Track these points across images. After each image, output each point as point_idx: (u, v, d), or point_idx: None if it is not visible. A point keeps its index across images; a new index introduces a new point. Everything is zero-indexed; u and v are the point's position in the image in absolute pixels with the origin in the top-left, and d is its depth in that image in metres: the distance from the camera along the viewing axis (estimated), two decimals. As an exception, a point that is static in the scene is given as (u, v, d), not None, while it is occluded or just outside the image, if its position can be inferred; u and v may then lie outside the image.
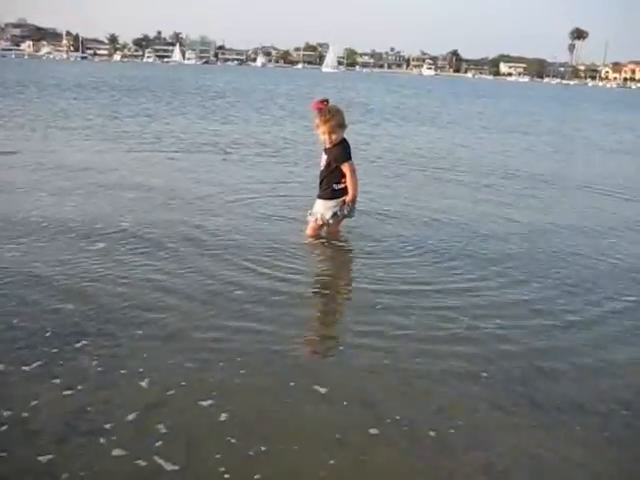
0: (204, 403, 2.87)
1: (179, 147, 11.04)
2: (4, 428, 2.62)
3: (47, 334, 3.48)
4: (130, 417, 2.73)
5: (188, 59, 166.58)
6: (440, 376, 3.23)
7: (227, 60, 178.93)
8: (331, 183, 5.35)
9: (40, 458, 2.45)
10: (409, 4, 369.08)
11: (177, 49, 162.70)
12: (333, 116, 5.27)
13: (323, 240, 5.46)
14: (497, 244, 5.68)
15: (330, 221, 5.40)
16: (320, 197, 5.42)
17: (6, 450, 2.50)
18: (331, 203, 5.36)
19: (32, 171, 8.15)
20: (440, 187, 8.46)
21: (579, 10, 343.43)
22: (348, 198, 5.31)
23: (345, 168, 5.28)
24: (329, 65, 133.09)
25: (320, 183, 5.43)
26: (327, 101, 5.37)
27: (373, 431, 2.72)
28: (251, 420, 2.76)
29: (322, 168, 5.40)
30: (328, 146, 5.32)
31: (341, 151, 5.28)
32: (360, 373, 3.24)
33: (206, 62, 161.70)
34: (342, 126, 5.32)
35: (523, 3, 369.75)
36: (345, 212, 5.39)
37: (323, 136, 5.29)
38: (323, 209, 5.37)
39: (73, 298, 3.99)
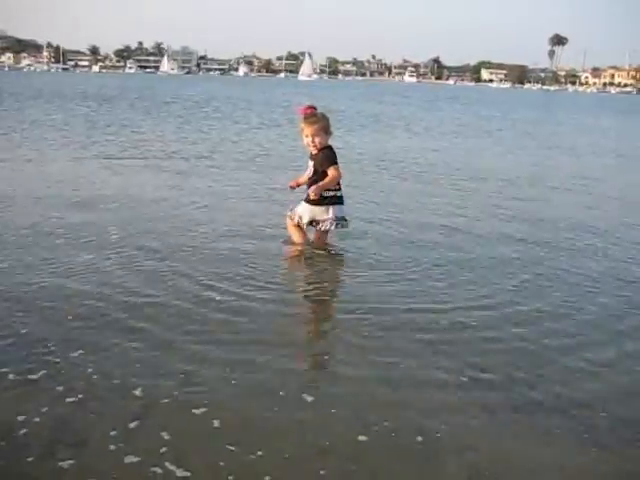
0: (197, 411, 2.91)
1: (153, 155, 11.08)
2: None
3: (30, 345, 3.50)
4: (132, 425, 2.78)
5: (171, 69, 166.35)
6: (424, 383, 3.28)
7: (209, 70, 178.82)
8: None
9: (53, 465, 2.50)
10: (390, 13, 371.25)
11: (165, 60, 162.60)
12: (319, 120, 5.31)
13: (308, 248, 5.50)
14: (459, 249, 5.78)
15: (304, 226, 5.45)
16: (306, 201, 5.39)
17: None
18: (316, 209, 5.37)
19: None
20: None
21: (559, 17, 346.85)
22: (312, 188, 5.21)
23: (330, 170, 5.26)
24: (305, 73, 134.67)
25: (308, 189, 5.40)
26: (314, 107, 5.39)
27: (362, 438, 2.77)
28: (241, 428, 2.80)
29: (310, 175, 5.39)
30: (314, 151, 5.33)
31: (327, 155, 5.30)
32: (347, 382, 3.28)
33: (188, 72, 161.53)
34: (327, 131, 5.35)
35: (504, 10, 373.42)
36: (330, 227, 5.41)
37: (307, 139, 5.30)
38: (304, 211, 5.40)
39: (50, 310, 4.02)
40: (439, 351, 3.65)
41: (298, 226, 5.51)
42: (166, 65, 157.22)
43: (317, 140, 5.27)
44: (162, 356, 3.46)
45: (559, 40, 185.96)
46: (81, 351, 3.47)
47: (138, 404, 2.96)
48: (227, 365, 3.36)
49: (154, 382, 3.16)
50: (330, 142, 5.43)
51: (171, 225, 6.24)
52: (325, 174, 5.28)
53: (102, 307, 4.11)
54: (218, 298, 4.34)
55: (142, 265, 4.99)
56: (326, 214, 5.37)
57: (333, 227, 5.43)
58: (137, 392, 3.05)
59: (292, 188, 5.66)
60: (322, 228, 5.43)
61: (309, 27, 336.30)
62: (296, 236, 5.56)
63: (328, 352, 3.74)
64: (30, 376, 3.17)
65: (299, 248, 5.50)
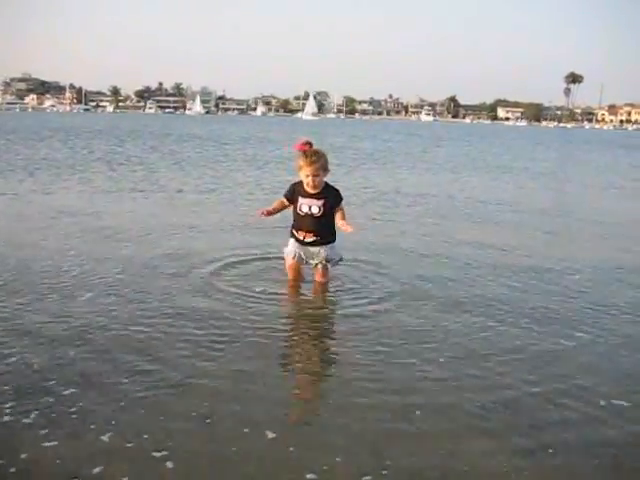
0: (157, 454, 2.84)
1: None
2: None
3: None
4: (96, 470, 2.71)
5: (189, 109, 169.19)
6: (410, 411, 3.25)
7: (228, 110, 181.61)
8: (333, 227, 5.37)
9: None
10: (407, 52, 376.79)
11: (197, 100, 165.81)
12: (319, 158, 5.24)
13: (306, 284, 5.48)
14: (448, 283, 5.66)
15: (298, 261, 5.42)
16: (329, 242, 5.37)
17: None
18: (309, 249, 5.38)
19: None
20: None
21: (574, 54, 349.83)
22: (350, 229, 5.14)
23: (341, 208, 5.32)
24: (309, 112, 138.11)
25: (316, 229, 5.29)
26: (310, 143, 5.31)
27: (326, 467, 2.74)
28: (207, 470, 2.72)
29: (312, 213, 5.25)
30: (311, 190, 5.25)
31: (338, 194, 5.32)
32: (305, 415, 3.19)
33: (207, 112, 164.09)
34: (326, 169, 5.31)
35: (519, 49, 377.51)
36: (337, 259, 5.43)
37: (307, 178, 5.22)
38: (332, 252, 5.39)
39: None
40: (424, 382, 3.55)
41: (295, 267, 5.47)
42: (198, 106, 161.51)
43: (317, 180, 5.22)
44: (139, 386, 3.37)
45: (575, 78, 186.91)
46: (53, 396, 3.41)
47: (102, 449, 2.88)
48: (205, 400, 3.28)
49: (127, 424, 3.09)
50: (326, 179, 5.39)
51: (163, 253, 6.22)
52: (332, 214, 5.28)
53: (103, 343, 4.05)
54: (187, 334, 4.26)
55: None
56: (317, 255, 5.38)
57: (329, 266, 5.41)
58: (105, 438, 2.99)
59: (264, 215, 5.41)
60: (318, 267, 5.43)
61: (327, 67, 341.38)
62: (292, 276, 5.50)
63: (300, 385, 3.64)
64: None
65: (294, 286, 5.44)
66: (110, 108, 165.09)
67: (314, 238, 5.31)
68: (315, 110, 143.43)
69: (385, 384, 3.64)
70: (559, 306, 5.24)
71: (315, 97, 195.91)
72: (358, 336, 4.39)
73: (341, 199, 5.32)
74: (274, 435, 3.03)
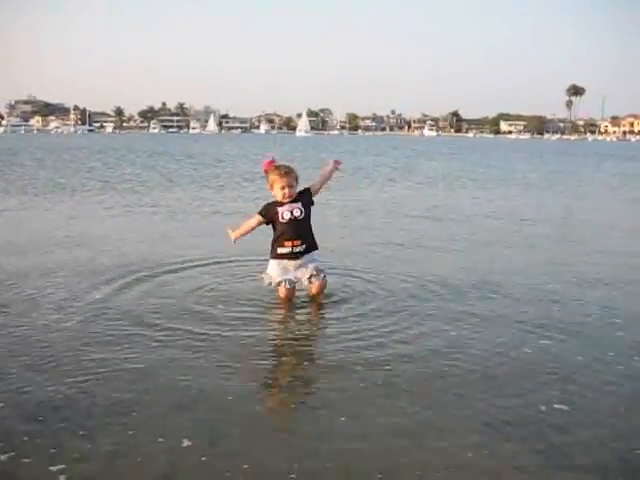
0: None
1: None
2: None
3: None
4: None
5: (193, 128, 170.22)
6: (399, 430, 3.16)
7: (231, 128, 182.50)
8: (311, 233, 5.39)
9: None
10: (409, 67, 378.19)
11: (211, 120, 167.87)
12: (292, 170, 5.33)
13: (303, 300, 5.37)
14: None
15: (282, 286, 5.31)
16: (315, 248, 5.38)
17: None
18: (290, 263, 5.33)
19: None
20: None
21: (576, 66, 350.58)
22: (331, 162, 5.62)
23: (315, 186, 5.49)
24: (302, 130, 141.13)
25: (302, 235, 5.27)
26: (274, 160, 5.38)
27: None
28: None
29: (295, 216, 5.22)
30: (287, 200, 5.24)
31: (307, 189, 5.41)
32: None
33: (202, 131, 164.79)
34: (297, 180, 5.36)
35: (520, 62, 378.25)
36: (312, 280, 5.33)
37: (282, 191, 5.22)
38: (318, 263, 5.37)
39: None
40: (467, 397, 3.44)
41: (289, 296, 5.34)
42: (212, 125, 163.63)
43: (293, 190, 5.28)
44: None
45: (576, 90, 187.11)
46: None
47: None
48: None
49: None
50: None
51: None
52: (310, 217, 5.33)
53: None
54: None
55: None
56: (306, 269, 5.31)
57: (322, 275, 5.35)
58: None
59: (234, 239, 5.42)
60: (313, 281, 5.35)
61: (329, 84, 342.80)
62: (286, 305, 5.31)
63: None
64: None
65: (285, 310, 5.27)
66: (109, 129, 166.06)
67: (301, 247, 5.28)
68: (308, 127, 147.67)
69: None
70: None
71: (318, 114, 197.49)
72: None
73: (309, 188, 5.45)
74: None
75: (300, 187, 5.40)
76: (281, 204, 5.28)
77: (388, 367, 3.97)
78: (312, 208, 5.40)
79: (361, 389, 3.65)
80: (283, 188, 5.21)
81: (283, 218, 5.25)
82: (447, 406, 3.46)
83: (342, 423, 3.23)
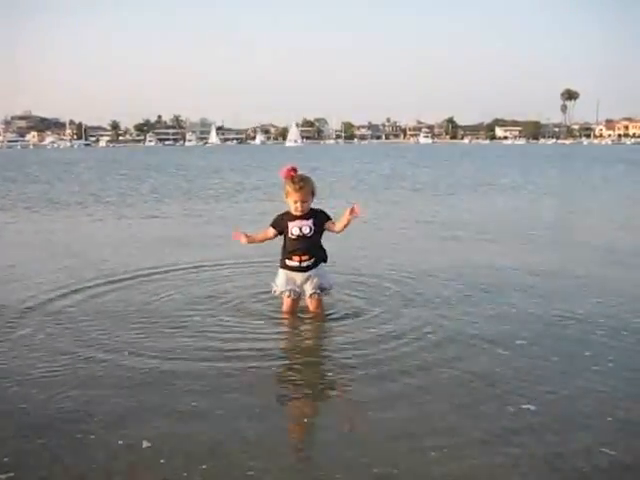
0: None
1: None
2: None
3: None
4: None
5: (189, 141, 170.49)
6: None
7: (227, 140, 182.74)
8: (322, 246, 5.28)
9: None
10: (404, 76, 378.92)
11: (213, 132, 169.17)
12: (306, 184, 5.17)
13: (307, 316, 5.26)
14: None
15: (288, 295, 5.26)
16: (324, 260, 5.29)
17: None
18: (297, 275, 5.24)
19: None
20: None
21: (569, 70, 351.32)
22: (357, 209, 4.98)
23: (332, 221, 5.20)
24: (292, 139, 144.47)
25: (310, 250, 5.19)
26: (295, 169, 5.24)
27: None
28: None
29: (303, 234, 5.15)
30: (299, 214, 5.15)
31: (324, 212, 5.24)
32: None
33: (206, 143, 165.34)
34: (313, 194, 5.24)
35: (514, 68, 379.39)
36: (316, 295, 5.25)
37: (295, 204, 5.14)
38: (325, 280, 5.26)
39: None
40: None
41: (293, 306, 5.30)
42: (214, 137, 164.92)
43: (306, 205, 5.16)
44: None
45: (570, 95, 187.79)
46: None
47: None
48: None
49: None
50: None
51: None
52: (321, 233, 5.21)
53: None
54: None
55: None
56: (311, 282, 5.22)
57: (323, 295, 5.29)
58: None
59: (241, 240, 5.29)
60: (314, 297, 5.27)
61: (324, 94, 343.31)
62: (289, 316, 5.28)
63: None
64: None
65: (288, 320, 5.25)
66: (103, 142, 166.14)
67: (310, 261, 5.22)
68: (298, 137, 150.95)
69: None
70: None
71: (313, 124, 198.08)
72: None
73: (328, 215, 5.26)
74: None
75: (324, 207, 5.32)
76: (292, 218, 5.20)
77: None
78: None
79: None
80: (295, 202, 5.14)
81: (292, 234, 5.18)
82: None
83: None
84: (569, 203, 15.98)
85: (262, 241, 5.38)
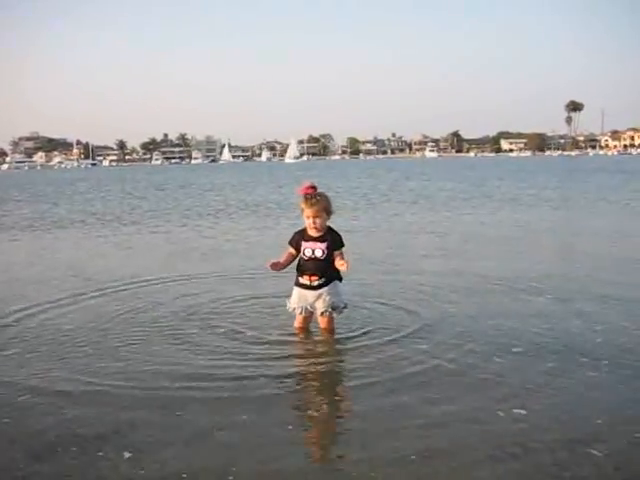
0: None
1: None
2: None
3: None
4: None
5: (195, 159, 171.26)
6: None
7: (233, 157, 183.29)
8: (333, 268, 5.20)
9: None
10: (409, 91, 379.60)
11: (226, 150, 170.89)
12: (319, 201, 5.18)
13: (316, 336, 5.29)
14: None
15: (300, 312, 5.31)
16: (336, 278, 5.26)
17: None
18: (309, 293, 5.25)
19: None
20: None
21: (573, 81, 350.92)
22: (346, 268, 5.01)
23: (341, 253, 5.16)
24: (291, 156, 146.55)
25: (320, 271, 5.19)
26: (315, 187, 5.26)
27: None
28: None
29: (315, 256, 5.17)
30: (314, 233, 5.18)
31: (340, 239, 5.22)
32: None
33: (213, 160, 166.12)
34: (328, 212, 5.25)
35: (518, 80, 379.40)
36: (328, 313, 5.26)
37: (308, 220, 5.18)
38: (337, 299, 5.25)
39: None
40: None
41: (304, 323, 5.35)
42: (227, 154, 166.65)
43: (318, 222, 5.16)
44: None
45: (575, 106, 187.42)
46: None
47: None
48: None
49: None
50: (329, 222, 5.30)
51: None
52: (331, 254, 5.16)
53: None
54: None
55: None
56: (323, 301, 5.22)
57: (335, 314, 5.28)
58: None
59: (273, 268, 5.25)
60: (325, 315, 5.28)
61: (329, 110, 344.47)
62: (300, 332, 5.35)
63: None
64: None
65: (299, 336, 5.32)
66: (106, 162, 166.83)
67: (320, 281, 5.22)
68: (297, 154, 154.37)
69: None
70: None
71: (319, 140, 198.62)
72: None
73: (342, 244, 5.22)
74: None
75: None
76: (307, 238, 5.23)
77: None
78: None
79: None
80: (308, 218, 5.17)
81: (305, 254, 5.21)
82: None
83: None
84: None
85: (291, 262, 5.35)
